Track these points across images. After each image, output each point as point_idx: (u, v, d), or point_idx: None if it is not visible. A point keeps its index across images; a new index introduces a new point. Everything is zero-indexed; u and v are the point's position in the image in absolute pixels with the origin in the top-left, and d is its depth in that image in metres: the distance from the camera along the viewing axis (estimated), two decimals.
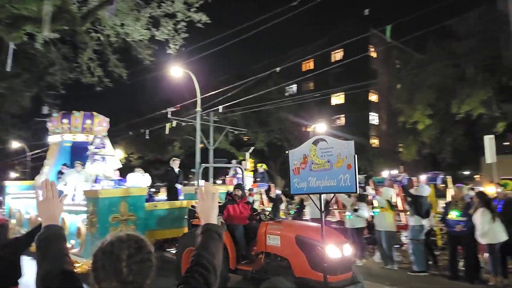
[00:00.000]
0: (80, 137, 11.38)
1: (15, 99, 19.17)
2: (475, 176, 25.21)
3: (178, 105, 21.36)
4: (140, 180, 9.95)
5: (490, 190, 10.10)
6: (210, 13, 9.83)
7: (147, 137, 24.12)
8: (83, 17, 8.66)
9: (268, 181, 14.88)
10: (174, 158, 9.94)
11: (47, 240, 1.56)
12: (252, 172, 20.60)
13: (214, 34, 13.67)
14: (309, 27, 70.07)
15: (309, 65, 38.27)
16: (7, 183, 12.76)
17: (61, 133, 11.36)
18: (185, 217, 7.30)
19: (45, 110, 26.61)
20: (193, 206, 7.19)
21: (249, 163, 21.91)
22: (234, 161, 17.72)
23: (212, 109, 21.71)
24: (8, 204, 11.95)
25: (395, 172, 21.87)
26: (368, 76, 32.70)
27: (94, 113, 11.66)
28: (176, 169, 9.52)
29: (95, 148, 9.98)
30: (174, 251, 7.89)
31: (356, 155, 4.54)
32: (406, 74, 19.90)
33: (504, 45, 12.79)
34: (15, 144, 30.12)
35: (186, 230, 7.20)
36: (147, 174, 10.80)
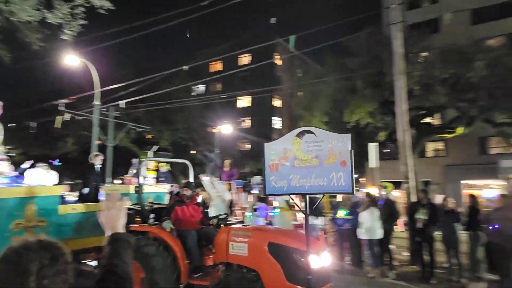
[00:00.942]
0: None
1: None
2: (361, 179, 28.23)
3: (73, 97, 19.49)
4: (43, 178, 8.44)
5: (373, 191, 11.43)
6: (117, 1, 9.22)
7: (32, 128, 21.48)
8: None
9: (172, 181, 14.50)
10: (96, 153, 8.50)
11: None
12: (155, 172, 19.82)
13: (119, 24, 12.83)
14: (218, 29, 70.55)
15: (217, 66, 38.46)
16: None
17: None
18: None
19: None
20: (128, 208, 6.19)
21: (152, 162, 21.07)
22: (135, 160, 16.89)
23: (113, 103, 20.36)
24: None
25: None
26: (273, 81, 34.23)
27: None
28: (98, 166, 8.15)
29: None
30: (94, 263, 6.73)
31: (352, 151, 3.94)
32: (306, 83, 21.34)
33: (386, 64, 14.64)
34: None
35: None
36: (53, 171, 9.26)
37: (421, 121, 19.37)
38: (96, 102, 17.77)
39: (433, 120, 22.65)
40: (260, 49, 15.38)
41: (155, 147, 24.13)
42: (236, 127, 33.64)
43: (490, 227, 6.46)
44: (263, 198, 9.43)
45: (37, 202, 5.73)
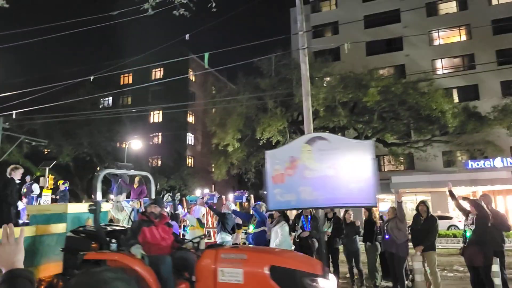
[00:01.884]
0: None
1: None
2: None
3: None
4: None
5: None
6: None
7: None
8: None
9: (69, 200, 13.23)
10: (14, 166, 7.07)
11: None
12: (51, 190, 17.89)
13: (16, 25, 11.53)
14: (130, 40, 67.87)
15: (127, 79, 36.78)
16: None
17: None
18: (60, 249, 4.99)
19: None
20: (76, 232, 5.09)
21: (48, 180, 19.03)
22: (28, 177, 15.05)
23: (2, 113, 18.04)
24: None
25: (207, 190, 23.15)
26: (186, 97, 33.92)
27: None
28: (17, 181, 6.87)
29: None
30: None
31: (375, 159, 3.53)
32: (219, 100, 21.65)
33: (295, 86, 15.65)
34: None
35: (54, 268, 4.96)
36: None
37: None
38: None
39: None
40: (174, 64, 15.20)
41: (52, 163, 21.83)
42: (148, 142, 32.33)
43: (386, 237, 7.17)
44: (174, 216, 9.13)
45: None
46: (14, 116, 18.18)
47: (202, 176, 33.84)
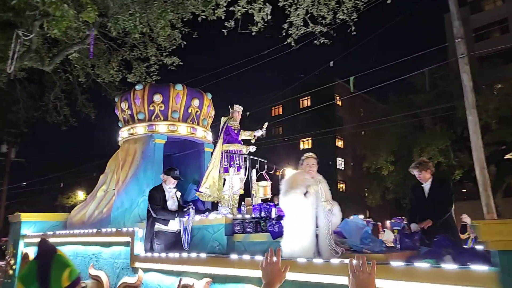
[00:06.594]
0: (182, 130, 6.33)
1: None
2: None
3: None
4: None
5: None
6: (182, 55, 10.09)
7: None
8: (51, 57, 8.61)
9: None
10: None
11: None
12: None
13: (184, 78, 13.91)
14: (278, 74, 72.98)
15: (278, 110, 39.35)
16: (22, 216, 7.24)
17: (148, 121, 6.19)
18: None
19: (4, 148, 25.43)
20: None
21: None
22: None
23: None
24: (22, 252, 7.03)
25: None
26: (334, 122, 33.99)
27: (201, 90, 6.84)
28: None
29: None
30: None
31: None
32: (369, 122, 20.90)
33: (457, 99, 13.88)
34: None
35: None
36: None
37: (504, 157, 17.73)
38: None
39: None
40: (320, 91, 15.59)
41: None
42: (299, 169, 33.41)
43: None
44: None
45: None
46: None
47: (355, 201, 32.77)
